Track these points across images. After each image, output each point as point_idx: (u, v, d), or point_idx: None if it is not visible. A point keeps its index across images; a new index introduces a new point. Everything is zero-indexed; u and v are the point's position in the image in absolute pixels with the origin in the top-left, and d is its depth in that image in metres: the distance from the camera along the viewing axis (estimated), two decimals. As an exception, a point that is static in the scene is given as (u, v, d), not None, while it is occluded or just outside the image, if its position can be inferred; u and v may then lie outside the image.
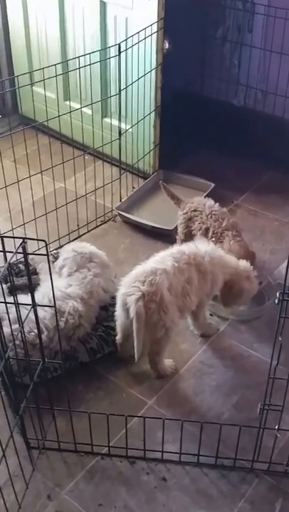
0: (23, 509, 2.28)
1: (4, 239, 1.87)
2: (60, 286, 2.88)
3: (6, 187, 3.23)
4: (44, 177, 3.42)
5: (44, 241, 1.88)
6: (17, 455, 2.26)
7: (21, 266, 3.28)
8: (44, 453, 2.49)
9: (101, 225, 3.77)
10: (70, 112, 3.50)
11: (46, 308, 2.75)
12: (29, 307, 2.60)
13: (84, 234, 3.67)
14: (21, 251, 1.85)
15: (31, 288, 2.01)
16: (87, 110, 3.99)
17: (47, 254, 1.90)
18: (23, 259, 3.31)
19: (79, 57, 3.51)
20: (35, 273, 3.25)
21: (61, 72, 3.50)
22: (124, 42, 3.42)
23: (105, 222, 3.79)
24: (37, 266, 3.28)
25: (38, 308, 2.66)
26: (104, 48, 3.69)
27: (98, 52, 3.62)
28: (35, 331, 2.66)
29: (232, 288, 2.87)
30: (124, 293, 2.61)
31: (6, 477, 2.26)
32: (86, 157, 3.64)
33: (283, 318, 1.95)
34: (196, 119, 4.19)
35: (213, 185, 3.93)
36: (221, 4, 4.00)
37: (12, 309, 2.29)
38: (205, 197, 3.47)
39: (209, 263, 2.77)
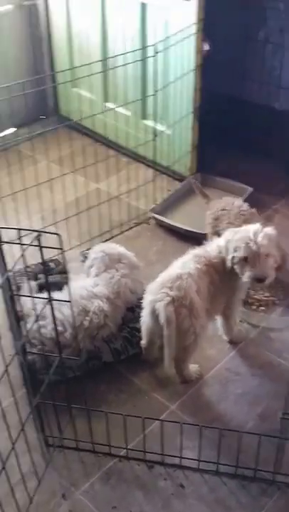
0: (36, 506, 2.26)
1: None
2: (87, 286, 2.87)
3: (37, 185, 3.23)
4: (80, 178, 3.42)
5: (58, 235, 1.85)
6: (28, 450, 2.24)
7: (51, 264, 3.28)
8: (62, 451, 2.46)
9: (134, 226, 3.74)
10: (104, 112, 3.49)
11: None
12: (56, 305, 2.63)
13: (117, 235, 3.65)
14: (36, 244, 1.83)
15: (47, 281, 1.98)
16: (126, 112, 4.00)
17: (61, 248, 1.86)
18: (53, 258, 3.33)
19: (116, 56, 3.50)
20: (65, 272, 3.25)
21: (100, 72, 3.48)
22: (161, 43, 3.39)
23: (139, 225, 3.76)
24: (67, 265, 3.27)
25: (64, 306, 2.68)
26: (140, 48, 3.65)
27: (135, 53, 3.59)
28: (60, 328, 2.66)
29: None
30: (153, 300, 2.56)
31: (22, 471, 2.25)
32: (124, 159, 3.63)
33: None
34: (235, 122, 4.12)
35: (251, 189, 3.85)
36: (263, 5, 3.93)
37: (38, 307, 2.28)
38: (245, 203, 3.40)
39: (222, 262, 2.67)
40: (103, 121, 3.63)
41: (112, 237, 3.61)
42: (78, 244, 3.46)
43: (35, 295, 2.44)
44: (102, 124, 3.55)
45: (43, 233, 1.87)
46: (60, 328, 2.66)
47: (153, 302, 2.54)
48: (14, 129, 4.21)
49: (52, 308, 2.10)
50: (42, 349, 2.54)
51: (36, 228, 3.20)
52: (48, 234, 1.89)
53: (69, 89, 4.50)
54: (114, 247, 3.06)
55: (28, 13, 4.59)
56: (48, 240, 1.90)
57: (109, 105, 4.05)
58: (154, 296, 2.54)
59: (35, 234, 1.82)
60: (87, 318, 2.73)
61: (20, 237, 1.84)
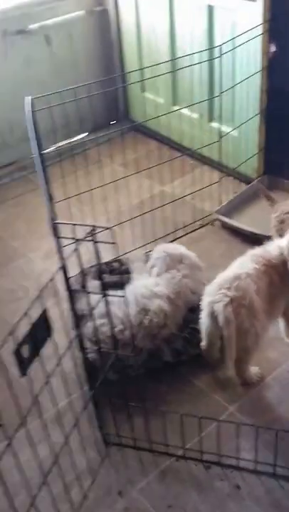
0: (93, 503, 2.30)
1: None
2: (148, 285, 2.89)
3: (102, 186, 3.29)
4: (145, 181, 3.47)
5: (111, 228, 1.88)
6: (83, 447, 2.28)
7: (115, 264, 3.33)
8: (120, 449, 2.49)
9: (199, 228, 3.74)
10: (169, 113, 3.50)
11: (132, 305, 2.77)
12: (117, 304, 2.67)
13: (181, 237, 3.65)
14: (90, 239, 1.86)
15: (100, 277, 2.01)
16: (193, 114, 4.01)
17: (114, 243, 1.89)
18: (118, 257, 3.38)
19: (182, 57, 3.53)
20: (128, 272, 3.29)
21: (166, 72, 3.49)
22: (227, 44, 3.38)
23: (203, 226, 3.75)
24: (130, 265, 3.32)
25: (124, 305, 2.71)
26: (206, 49, 3.65)
27: (202, 54, 3.59)
28: (120, 326, 2.70)
29: None
30: (211, 301, 2.55)
31: (80, 468, 2.31)
32: (191, 162, 3.65)
33: None
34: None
35: None
36: None
37: (100, 304, 2.32)
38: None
39: (283, 263, 2.63)
40: (171, 125, 3.66)
41: (177, 239, 3.62)
42: (142, 245, 3.49)
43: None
44: (169, 127, 3.59)
45: (98, 228, 1.91)
46: (120, 326, 2.70)
47: (211, 304, 2.53)
48: (86, 134, 4.31)
49: (107, 305, 2.13)
50: (101, 347, 2.58)
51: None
52: (111, 233, 1.92)
53: (139, 94, 4.56)
54: (176, 248, 3.07)
55: (99, 18, 4.70)
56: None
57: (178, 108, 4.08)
58: (212, 298, 2.53)
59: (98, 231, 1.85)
60: (147, 317, 2.75)
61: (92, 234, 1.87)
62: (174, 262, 2.99)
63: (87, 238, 1.87)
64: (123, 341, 2.65)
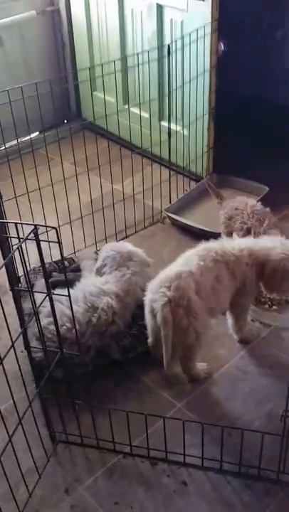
0: (39, 500, 2.28)
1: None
2: (97, 283, 2.88)
3: (51, 184, 3.27)
4: (97, 179, 3.47)
5: (55, 228, 1.86)
6: (27, 443, 2.26)
7: (66, 262, 3.32)
8: (67, 447, 2.48)
9: (149, 226, 3.75)
10: (118, 112, 3.50)
11: (80, 303, 2.76)
12: (66, 302, 2.65)
13: (131, 235, 3.66)
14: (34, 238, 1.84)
15: (45, 275, 2.00)
16: (144, 114, 4.01)
17: (59, 242, 1.88)
18: (68, 256, 3.36)
19: (132, 55, 3.52)
20: (78, 270, 3.28)
21: (116, 72, 3.49)
22: (174, 43, 3.40)
23: (154, 224, 3.77)
24: (80, 263, 3.31)
25: (73, 304, 2.69)
26: (154, 48, 3.66)
27: (152, 54, 3.60)
28: (68, 324, 2.69)
29: (275, 271, 2.66)
30: (151, 299, 2.57)
31: (26, 466, 2.29)
32: (142, 161, 3.66)
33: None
34: (253, 123, 4.11)
35: (267, 189, 3.83)
36: (281, 5, 3.91)
37: (47, 303, 2.30)
38: (258, 201, 3.39)
39: (237, 259, 2.65)
40: (122, 124, 3.67)
41: (127, 237, 3.63)
42: (93, 243, 3.48)
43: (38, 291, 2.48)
44: (121, 127, 3.59)
45: (40, 227, 1.89)
46: (68, 325, 2.68)
47: (151, 302, 2.54)
48: (37, 133, 4.26)
49: (52, 303, 2.12)
50: (49, 345, 2.56)
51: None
52: (56, 232, 1.90)
53: (90, 93, 4.54)
54: (125, 246, 3.07)
55: (51, 18, 4.67)
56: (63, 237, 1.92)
57: (130, 108, 4.07)
58: (153, 296, 2.54)
59: (49, 230, 1.83)
60: (95, 314, 2.74)
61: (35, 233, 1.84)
62: (123, 259, 2.98)
63: (31, 237, 1.85)
64: (71, 340, 2.63)
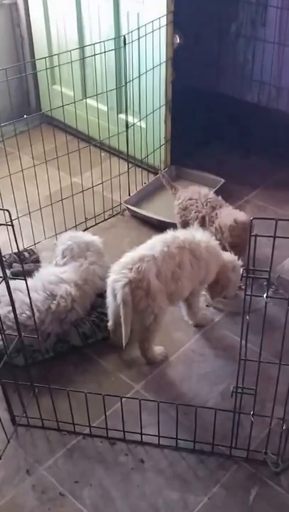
0: (1, 481, 2.35)
1: None
2: (56, 272, 2.95)
3: (9, 175, 3.31)
4: (56, 172, 3.53)
5: (8, 210, 1.92)
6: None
7: (26, 254, 3.38)
8: (28, 430, 2.55)
9: (109, 218, 3.83)
10: (74, 103, 3.54)
11: (39, 291, 2.83)
12: (23, 290, 2.71)
13: (91, 226, 3.74)
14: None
15: (1, 259, 2.05)
16: (102, 107, 4.08)
17: (12, 225, 1.94)
18: (28, 248, 3.42)
19: (86, 46, 3.58)
20: (38, 261, 3.34)
21: (73, 61, 3.53)
22: (130, 34, 3.47)
23: (113, 216, 3.85)
24: (40, 254, 3.38)
25: (32, 292, 2.74)
26: (110, 39, 3.70)
27: (108, 45, 3.65)
28: (27, 312, 2.75)
29: (219, 279, 2.89)
30: (113, 280, 2.65)
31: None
32: (101, 154, 3.73)
33: (250, 296, 1.97)
34: (209, 115, 4.21)
35: (223, 180, 3.94)
36: (235, -1, 4.03)
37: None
38: (214, 192, 3.49)
39: (205, 250, 2.79)
40: (81, 117, 3.73)
41: (87, 228, 3.70)
42: (53, 235, 3.55)
43: (15, 283, 2.55)
44: (80, 120, 3.66)
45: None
46: (27, 312, 2.74)
47: (113, 282, 2.63)
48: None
49: (8, 287, 2.18)
50: (5, 332, 2.62)
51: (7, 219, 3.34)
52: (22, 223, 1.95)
53: (49, 87, 4.58)
54: (81, 236, 3.14)
55: (9, 12, 4.70)
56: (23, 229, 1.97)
57: (88, 101, 4.14)
58: (115, 276, 2.62)
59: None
60: (54, 302, 2.81)
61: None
62: (80, 250, 3.06)
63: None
64: (31, 327, 2.69)
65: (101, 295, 3.04)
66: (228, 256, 2.94)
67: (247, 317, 2.01)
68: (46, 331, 2.80)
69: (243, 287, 3.12)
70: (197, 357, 2.88)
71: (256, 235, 1.76)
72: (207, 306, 3.14)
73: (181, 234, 2.83)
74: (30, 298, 2.33)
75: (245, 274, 1.91)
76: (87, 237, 3.13)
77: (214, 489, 2.32)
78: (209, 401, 2.65)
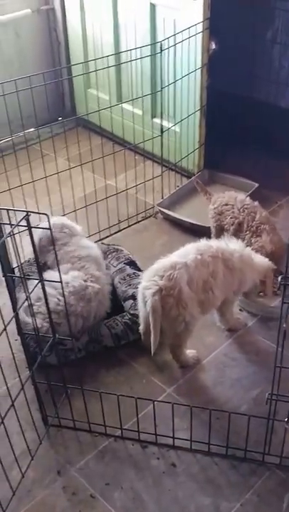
0: (32, 482, 2.35)
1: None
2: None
3: (44, 177, 3.33)
4: (91, 174, 3.55)
5: (46, 214, 1.94)
6: (21, 428, 2.34)
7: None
8: (60, 431, 2.55)
9: (142, 220, 3.84)
10: (110, 107, 3.57)
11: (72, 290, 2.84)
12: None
13: (124, 228, 3.75)
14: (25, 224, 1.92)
15: (38, 263, 2.06)
16: (137, 111, 4.10)
17: (50, 229, 1.95)
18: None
19: (124, 51, 3.58)
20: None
21: (109, 67, 3.56)
22: (167, 40, 3.48)
23: (146, 218, 3.85)
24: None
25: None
26: (146, 45, 3.73)
27: (144, 51, 3.66)
28: (59, 298, 2.74)
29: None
30: (144, 287, 2.64)
31: (20, 448, 2.37)
32: (136, 157, 3.75)
33: (287, 304, 1.94)
34: (243, 120, 4.18)
35: (256, 185, 3.91)
36: (270, 5, 4.00)
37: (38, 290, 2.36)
38: (247, 197, 3.47)
39: (239, 260, 2.76)
40: (116, 121, 3.76)
41: (120, 230, 3.71)
42: (87, 236, 3.56)
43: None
44: (115, 123, 3.69)
45: (32, 213, 1.96)
46: (59, 307, 2.74)
47: (144, 289, 2.62)
48: (32, 129, 4.33)
49: (44, 290, 2.19)
50: (40, 332, 2.63)
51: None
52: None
53: (84, 90, 4.63)
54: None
55: (46, 17, 4.76)
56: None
57: (122, 105, 4.16)
58: (145, 283, 2.62)
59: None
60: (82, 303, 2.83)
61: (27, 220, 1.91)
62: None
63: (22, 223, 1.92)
64: (63, 324, 2.69)
65: (133, 296, 3.03)
66: (260, 259, 2.90)
67: (284, 325, 1.97)
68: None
69: (278, 293, 3.16)
70: (229, 361, 2.86)
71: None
72: (240, 310, 3.11)
73: (214, 243, 2.81)
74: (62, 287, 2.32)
75: (282, 282, 1.88)
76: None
77: (247, 495, 2.29)
78: (242, 406, 2.62)
